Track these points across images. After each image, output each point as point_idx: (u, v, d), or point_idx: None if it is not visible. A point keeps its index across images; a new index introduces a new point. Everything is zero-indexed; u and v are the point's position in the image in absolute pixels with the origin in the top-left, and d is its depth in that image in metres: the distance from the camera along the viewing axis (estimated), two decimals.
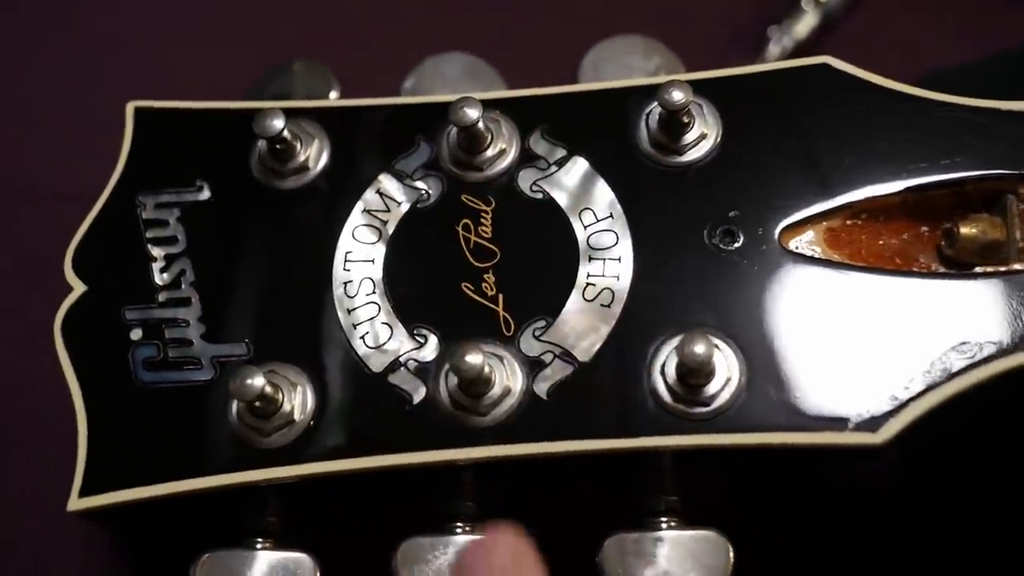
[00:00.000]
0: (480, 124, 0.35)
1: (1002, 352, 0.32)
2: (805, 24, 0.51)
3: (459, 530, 0.33)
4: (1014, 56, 0.49)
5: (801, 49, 0.51)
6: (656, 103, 0.35)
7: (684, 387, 0.32)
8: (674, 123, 0.35)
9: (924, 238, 0.35)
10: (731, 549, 0.32)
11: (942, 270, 0.34)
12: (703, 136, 0.35)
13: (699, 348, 0.31)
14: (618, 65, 0.39)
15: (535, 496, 0.35)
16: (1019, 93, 0.44)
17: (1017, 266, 0.33)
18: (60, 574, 0.42)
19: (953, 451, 0.40)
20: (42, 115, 0.51)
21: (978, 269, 0.34)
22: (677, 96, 0.34)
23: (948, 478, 0.41)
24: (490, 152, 0.36)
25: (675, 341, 0.32)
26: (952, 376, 0.31)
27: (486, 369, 0.32)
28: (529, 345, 0.34)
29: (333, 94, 0.40)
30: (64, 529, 0.41)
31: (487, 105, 0.36)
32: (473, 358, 0.32)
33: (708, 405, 0.32)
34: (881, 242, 0.35)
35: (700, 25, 0.52)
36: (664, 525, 0.32)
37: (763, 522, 0.36)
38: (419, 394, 0.33)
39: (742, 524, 0.32)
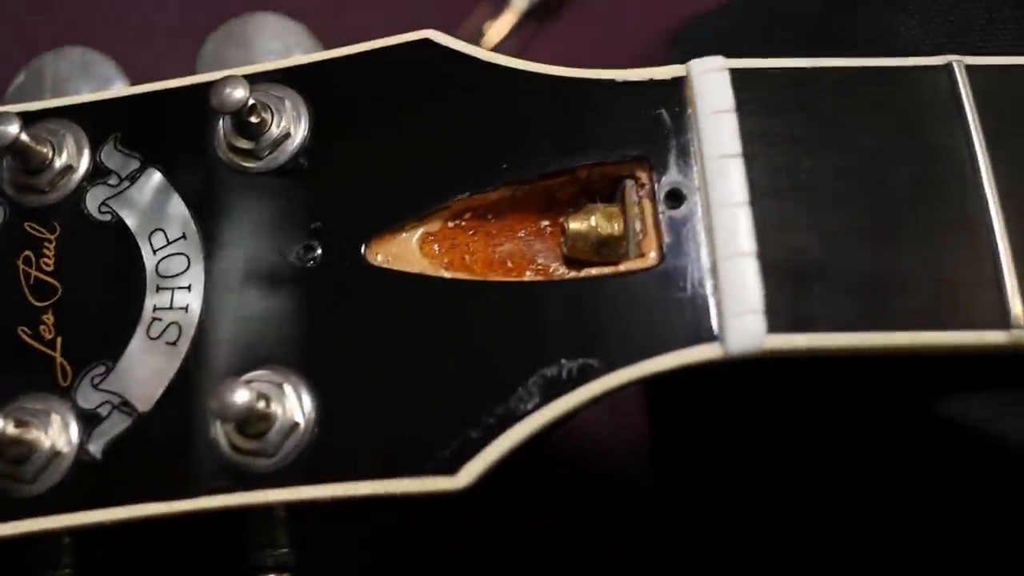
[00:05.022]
0: (25, 138, 0.30)
1: (603, 371, 0.27)
2: None
3: None
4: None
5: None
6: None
7: (243, 437, 0.28)
8: (246, 125, 0.30)
9: (546, 235, 0.31)
10: None
11: (561, 271, 0.30)
12: (287, 136, 0.30)
13: (235, 397, 0.27)
14: (243, 50, 0.34)
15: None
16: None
17: (632, 265, 0.29)
18: None
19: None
20: None
21: (594, 271, 0.29)
22: (235, 95, 0.29)
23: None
24: (53, 170, 0.31)
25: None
26: (539, 406, 0.27)
27: (18, 432, 0.28)
28: (86, 396, 0.29)
29: None
30: None
31: (48, 114, 0.31)
32: None
33: (272, 456, 0.28)
34: (492, 244, 0.30)
35: None
36: None
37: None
38: None
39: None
